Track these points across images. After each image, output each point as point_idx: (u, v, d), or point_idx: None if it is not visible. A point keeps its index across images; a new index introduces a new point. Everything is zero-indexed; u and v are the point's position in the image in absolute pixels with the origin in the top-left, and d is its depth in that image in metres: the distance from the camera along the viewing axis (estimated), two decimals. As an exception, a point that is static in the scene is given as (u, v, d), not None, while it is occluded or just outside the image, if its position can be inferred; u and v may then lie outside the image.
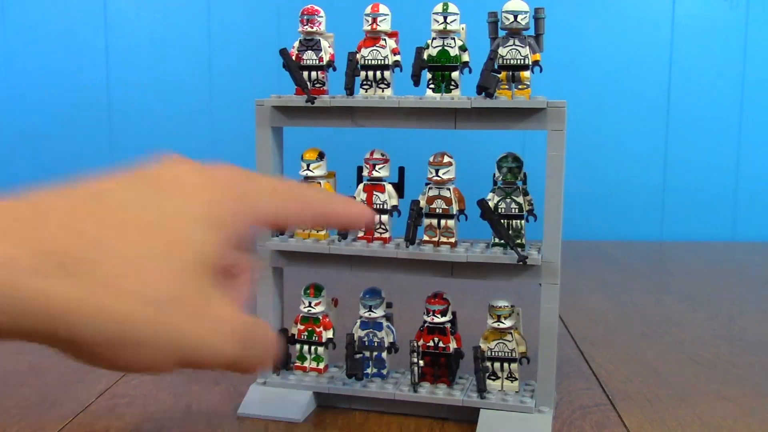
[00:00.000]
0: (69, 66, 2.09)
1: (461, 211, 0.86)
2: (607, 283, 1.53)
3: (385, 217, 0.86)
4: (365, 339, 0.88)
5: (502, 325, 0.84)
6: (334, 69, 0.88)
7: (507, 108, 0.81)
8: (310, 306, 0.89)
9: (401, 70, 0.86)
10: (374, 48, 0.85)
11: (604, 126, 1.98)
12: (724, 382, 0.98)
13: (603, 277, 1.57)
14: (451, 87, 0.84)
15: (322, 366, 0.90)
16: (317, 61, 0.87)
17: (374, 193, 0.87)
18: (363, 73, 0.86)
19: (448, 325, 0.86)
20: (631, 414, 0.87)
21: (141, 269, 0.39)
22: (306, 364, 0.90)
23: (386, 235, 0.87)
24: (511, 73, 0.82)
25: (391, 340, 0.88)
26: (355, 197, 0.87)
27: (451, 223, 0.85)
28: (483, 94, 0.81)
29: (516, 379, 0.85)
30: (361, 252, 0.85)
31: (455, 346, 0.86)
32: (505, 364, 0.84)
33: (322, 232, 0.89)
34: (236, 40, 2.04)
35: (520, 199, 0.84)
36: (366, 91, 0.86)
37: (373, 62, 0.85)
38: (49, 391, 0.93)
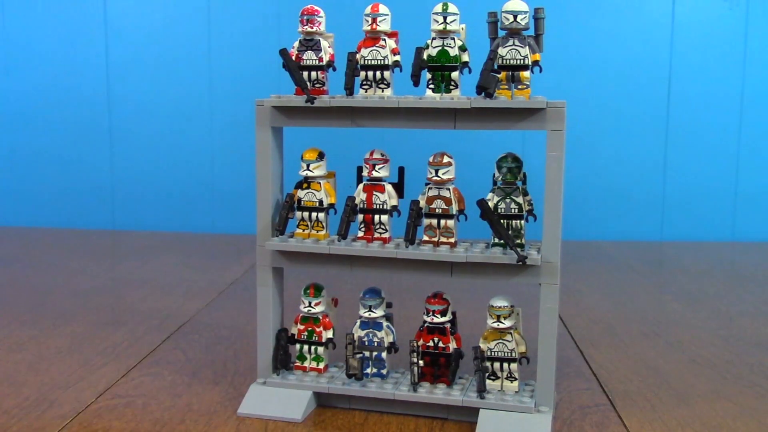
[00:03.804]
0: (69, 65, 2.10)
1: (461, 211, 0.86)
2: (607, 283, 1.53)
3: (385, 217, 0.86)
4: (365, 339, 0.88)
5: (501, 325, 0.84)
6: (334, 69, 0.88)
7: (507, 108, 0.81)
8: (310, 306, 0.89)
9: (401, 70, 0.86)
10: (374, 48, 0.85)
11: (604, 126, 1.98)
12: (724, 382, 0.98)
13: (603, 277, 1.57)
14: (451, 87, 0.84)
15: (322, 366, 0.90)
16: (317, 61, 0.87)
17: (374, 193, 0.87)
18: (363, 73, 0.86)
19: (448, 325, 0.86)
20: (631, 414, 0.87)
21: None
22: (306, 364, 0.90)
23: (386, 235, 0.87)
24: (510, 73, 0.82)
25: (391, 340, 0.88)
26: (355, 197, 0.87)
27: (450, 223, 0.85)
28: (483, 94, 0.81)
29: (516, 379, 0.85)
30: (361, 252, 0.85)
31: (455, 346, 0.86)
32: (505, 364, 0.85)
33: (322, 232, 0.89)
34: (236, 40, 2.04)
35: (520, 199, 0.84)
36: (366, 91, 0.86)
37: (372, 62, 0.85)
38: (49, 391, 0.93)
